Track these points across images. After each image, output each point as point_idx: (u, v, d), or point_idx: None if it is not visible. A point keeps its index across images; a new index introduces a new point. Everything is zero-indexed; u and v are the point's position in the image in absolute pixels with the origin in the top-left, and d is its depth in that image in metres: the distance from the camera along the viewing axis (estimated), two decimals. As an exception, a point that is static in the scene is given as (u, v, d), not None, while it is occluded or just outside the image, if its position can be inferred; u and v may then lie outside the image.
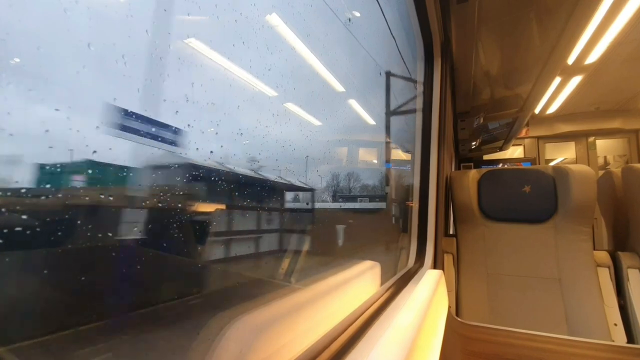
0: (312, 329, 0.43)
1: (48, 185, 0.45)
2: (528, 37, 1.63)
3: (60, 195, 0.49)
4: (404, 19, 1.28)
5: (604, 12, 1.93)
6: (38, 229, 0.40)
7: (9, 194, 0.42)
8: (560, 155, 4.47)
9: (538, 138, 4.52)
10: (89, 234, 0.49)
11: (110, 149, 0.49)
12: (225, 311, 0.34)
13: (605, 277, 1.26)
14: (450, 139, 2.50)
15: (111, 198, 0.55)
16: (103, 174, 0.53)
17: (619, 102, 3.73)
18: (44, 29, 0.37)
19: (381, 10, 1.36)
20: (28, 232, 0.39)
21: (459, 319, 0.96)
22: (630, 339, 1.14)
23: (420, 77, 1.28)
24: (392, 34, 1.44)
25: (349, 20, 1.22)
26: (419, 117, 1.27)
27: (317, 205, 1.50)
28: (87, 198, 0.52)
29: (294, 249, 1.13)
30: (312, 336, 0.42)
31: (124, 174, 0.56)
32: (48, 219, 0.45)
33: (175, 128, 0.58)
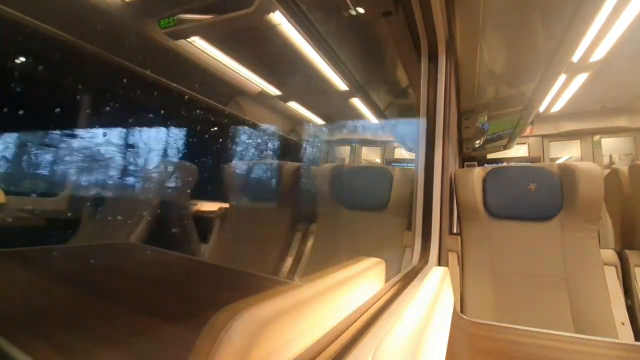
0: (318, 324, 0.43)
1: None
2: (533, 34, 1.62)
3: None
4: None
5: (610, 9, 1.91)
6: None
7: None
8: (565, 153, 4.44)
9: (543, 136, 4.49)
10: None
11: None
12: (231, 305, 0.34)
13: (612, 276, 1.24)
14: (455, 137, 2.48)
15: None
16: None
17: (625, 100, 3.70)
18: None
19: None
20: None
21: (464, 317, 0.95)
22: (638, 337, 1.13)
23: (424, 74, 1.28)
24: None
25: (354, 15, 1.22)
26: (423, 114, 1.26)
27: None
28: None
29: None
30: (318, 331, 0.42)
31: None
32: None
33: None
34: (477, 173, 1.47)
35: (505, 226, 1.39)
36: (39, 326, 0.56)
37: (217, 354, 0.30)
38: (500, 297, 1.28)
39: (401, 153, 4.99)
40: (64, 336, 0.54)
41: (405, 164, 4.30)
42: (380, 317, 0.51)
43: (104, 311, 0.66)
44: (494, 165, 3.53)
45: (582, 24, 1.54)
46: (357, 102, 3.08)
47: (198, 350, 0.31)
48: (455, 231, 1.56)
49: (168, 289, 0.90)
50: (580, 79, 3.04)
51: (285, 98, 3.08)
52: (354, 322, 0.46)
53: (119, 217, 1.68)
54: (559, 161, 4.26)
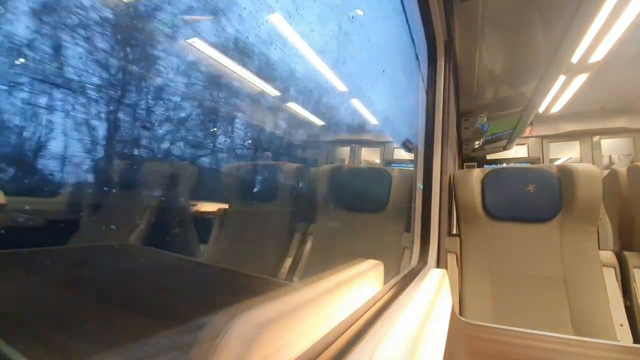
0: (315, 327, 0.43)
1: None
2: (532, 35, 1.62)
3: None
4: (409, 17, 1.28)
5: (609, 10, 1.91)
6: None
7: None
8: (565, 154, 4.44)
9: (542, 137, 4.49)
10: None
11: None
12: (229, 308, 0.34)
13: (611, 277, 1.24)
14: (454, 138, 2.48)
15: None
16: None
17: (625, 101, 3.70)
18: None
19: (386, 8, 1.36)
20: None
21: (463, 319, 0.95)
22: (637, 339, 1.13)
23: (423, 76, 1.28)
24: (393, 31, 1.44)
25: (352, 17, 1.22)
26: (422, 116, 1.26)
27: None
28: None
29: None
30: (315, 334, 0.42)
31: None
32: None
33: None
34: (476, 174, 1.47)
35: (504, 227, 1.39)
36: (36, 328, 0.57)
37: (215, 357, 0.30)
38: (499, 299, 1.29)
39: (401, 154, 4.99)
40: (60, 337, 0.54)
41: (405, 165, 4.30)
42: (378, 319, 0.51)
43: (100, 313, 0.66)
44: (493, 166, 3.53)
45: (582, 24, 1.54)
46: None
47: (195, 353, 0.31)
48: (454, 232, 1.56)
49: (166, 291, 0.89)
50: (580, 79, 3.05)
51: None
52: (351, 325, 0.46)
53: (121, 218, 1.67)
54: (558, 162, 4.28)
